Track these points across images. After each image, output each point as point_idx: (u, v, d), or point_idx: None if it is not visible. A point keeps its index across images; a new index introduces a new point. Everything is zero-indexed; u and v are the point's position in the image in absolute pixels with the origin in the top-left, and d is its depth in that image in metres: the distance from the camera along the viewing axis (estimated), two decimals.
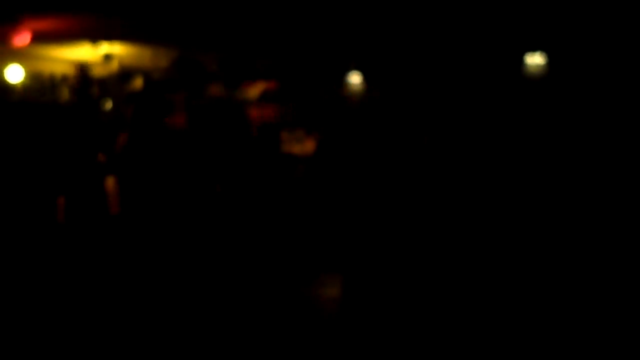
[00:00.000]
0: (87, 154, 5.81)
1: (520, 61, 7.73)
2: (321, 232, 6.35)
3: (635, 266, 5.20)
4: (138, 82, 9.17)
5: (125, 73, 9.34)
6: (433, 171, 6.65)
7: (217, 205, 6.28)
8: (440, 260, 5.59)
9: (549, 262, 5.50)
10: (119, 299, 5.06)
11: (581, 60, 7.33)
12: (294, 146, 6.91)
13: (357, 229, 6.17)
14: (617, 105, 6.98)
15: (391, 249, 5.78)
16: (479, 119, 7.45)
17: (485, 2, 6.34)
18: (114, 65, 9.03)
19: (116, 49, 8.29)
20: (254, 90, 8.07)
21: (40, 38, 7.41)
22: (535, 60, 7.74)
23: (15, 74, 8.71)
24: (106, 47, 8.19)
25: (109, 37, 7.81)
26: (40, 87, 9.29)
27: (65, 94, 9.43)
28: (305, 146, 6.89)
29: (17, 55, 8.32)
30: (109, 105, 9.04)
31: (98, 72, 9.28)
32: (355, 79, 8.69)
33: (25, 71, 8.79)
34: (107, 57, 8.51)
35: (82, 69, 8.69)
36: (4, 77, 8.75)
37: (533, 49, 7.66)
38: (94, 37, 7.82)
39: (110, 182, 5.38)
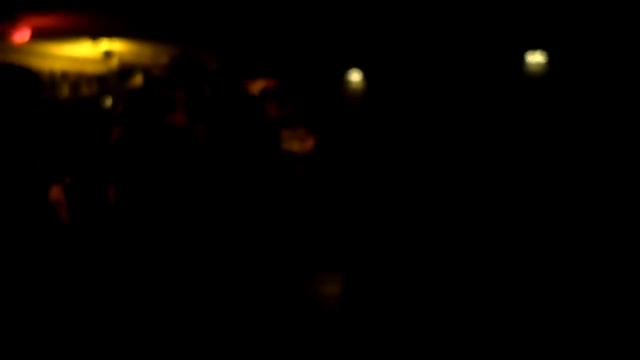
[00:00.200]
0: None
1: (521, 59, 7.73)
2: (321, 229, 6.35)
3: (636, 266, 5.20)
4: (138, 79, 9.17)
5: (125, 70, 9.34)
6: (434, 168, 6.65)
7: (217, 203, 6.27)
8: (442, 258, 5.59)
9: (549, 260, 5.50)
10: (116, 292, 5.05)
11: (582, 58, 7.33)
12: (294, 144, 6.90)
13: (357, 226, 6.17)
14: (617, 104, 6.98)
15: (392, 247, 5.78)
16: (479, 117, 7.45)
17: (486, 0, 6.33)
18: (114, 62, 9.03)
19: (116, 46, 8.28)
20: (254, 88, 8.06)
21: (40, 35, 7.40)
22: (535, 58, 7.74)
23: None
24: (106, 44, 8.18)
25: (109, 34, 7.80)
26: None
27: (65, 91, 9.43)
28: (305, 144, 6.89)
29: (16, 52, 8.31)
30: (108, 102, 9.04)
31: (98, 69, 9.28)
32: (355, 76, 8.70)
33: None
34: (107, 54, 8.51)
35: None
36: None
37: (534, 47, 7.66)
38: (94, 34, 7.81)
39: (55, 190, 5.26)
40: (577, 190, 6.42)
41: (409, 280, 5.31)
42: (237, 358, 4.24)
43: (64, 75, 9.50)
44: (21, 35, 7.05)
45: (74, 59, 9.08)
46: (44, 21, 6.91)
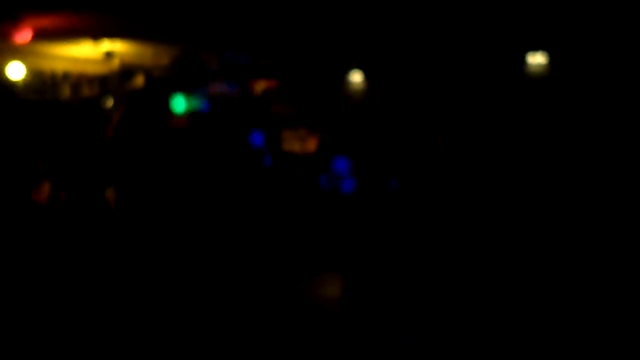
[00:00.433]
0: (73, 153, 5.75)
1: (522, 60, 7.72)
2: (322, 231, 6.35)
3: (636, 266, 5.19)
4: (139, 80, 9.17)
5: (127, 71, 9.33)
6: (435, 169, 6.64)
7: (218, 203, 6.27)
8: (441, 260, 5.59)
9: (550, 259, 5.49)
10: (119, 293, 5.05)
11: (583, 59, 7.32)
12: (296, 144, 6.90)
13: (358, 228, 6.17)
14: (619, 105, 6.97)
15: (392, 249, 5.77)
16: (480, 118, 7.44)
17: (487, 1, 6.32)
18: (115, 63, 9.02)
19: (117, 46, 8.27)
20: (256, 89, 8.06)
21: (42, 35, 7.39)
22: (537, 59, 7.72)
23: (16, 71, 8.71)
24: (107, 45, 8.17)
25: (111, 34, 7.79)
26: (42, 84, 9.29)
27: (66, 91, 9.43)
28: (306, 145, 6.89)
29: (18, 53, 8.31)
30: (109, 103, 9.04)
31: (99, 69, 9.27)
32: (356, 77, 8.69)
33: (26, 69, 8.78)
34: (108, 55, 8.50)
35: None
36: (4, 75, 8.75)
37: (535, 48, 7.65)
38: (96, 34, 7.80)
39: (45, 187, 5.24)
40: (579, 191, 6.41)
41: (409, 282, 5.31)
42: (237, 358, 4.24)
43: (66, 76, 9.50)
44: (23, 35, 7.05)
45: (75, 60, 9.07)
46: (45, 22, 6.91)
